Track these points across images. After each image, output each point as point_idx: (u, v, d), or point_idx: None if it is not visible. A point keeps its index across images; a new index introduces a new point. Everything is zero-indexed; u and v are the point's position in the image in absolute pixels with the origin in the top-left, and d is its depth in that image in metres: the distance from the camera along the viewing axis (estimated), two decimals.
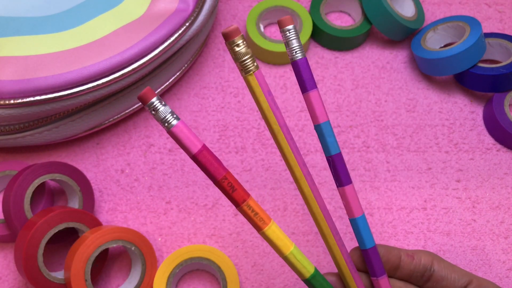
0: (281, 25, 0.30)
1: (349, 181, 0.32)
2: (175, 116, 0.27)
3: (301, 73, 0.30)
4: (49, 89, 0.38)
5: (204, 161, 0.28)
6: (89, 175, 0.44)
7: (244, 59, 0.28)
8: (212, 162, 0.28)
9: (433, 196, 0.44)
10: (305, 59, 0.30)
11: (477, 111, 0.47)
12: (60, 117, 0.41)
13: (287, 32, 0.30)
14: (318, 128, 0.31)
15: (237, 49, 0.28)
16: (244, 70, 0.28)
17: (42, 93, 0.38)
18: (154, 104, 0.26)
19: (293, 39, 0.30)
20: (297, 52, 0.30)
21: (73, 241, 0.40)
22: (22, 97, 0.38)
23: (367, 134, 0.46)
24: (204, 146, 0.28)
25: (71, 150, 0.44)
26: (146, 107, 0.26)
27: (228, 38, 0.28)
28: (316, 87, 0.31)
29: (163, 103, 0.26)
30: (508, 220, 0.43)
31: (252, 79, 0.29)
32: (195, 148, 0.27)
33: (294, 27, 0.30)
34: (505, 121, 0.44)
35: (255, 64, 0.29)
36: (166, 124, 0.27)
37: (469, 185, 0.44)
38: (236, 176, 0.44)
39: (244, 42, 0.28)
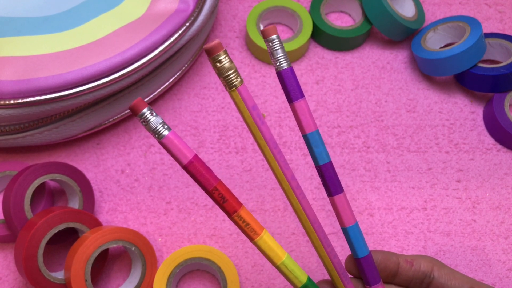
0: (265, 35, 0.29)
1: (338, 191, 0.31)
2: (166, 126, 0.26)
3: (285, 84, 0.29)
4: (49, 89, 0.38)
5: (195, 172, 0.27)
6: (89, 175, 0.44)
7: (227, 74, 0.27)
8: (203, 173, 0.27)
9: (433, 196, 0.44)
10: (290, 68, 0.29)
11: (477, 111, 0.47)
12: (60, 117, 0.41)
13: (270, 43, 0.29)
14: (305, 138, 0.31)
15: (219, 64, 0.27)
16: (228, 85, 0.28)
17: (42, 93, 0.38)
18: (145, 115, 0.26)
19: (278, 48, 0.29)
20: (282, 62, 0.29)
21: (73, 241, 0.40)
22: (22, 97, 0.38)
23: (367, 134, 0.46)
24: (195, 157, 0.27)
25: (71, 150, 0.44)
26: (137, 117, 0.26)
27: (211, 54, 0.27)
28: (302, 96, 0.30)
29: (154, 113, 0.26)
30: (508, 221, 0.43)
31: (236, 95, 0.28)
32: (185, 159, 0.27)
33: (278, 37, 0.29)
34: (505, 121, 0.44)
35: (240, 79, 0.28)
36: (156, 135, 0.26)
37: (469, 186, 0.44)
38: (236, 177, 0.44)
39: (227, 57, 0.27)
